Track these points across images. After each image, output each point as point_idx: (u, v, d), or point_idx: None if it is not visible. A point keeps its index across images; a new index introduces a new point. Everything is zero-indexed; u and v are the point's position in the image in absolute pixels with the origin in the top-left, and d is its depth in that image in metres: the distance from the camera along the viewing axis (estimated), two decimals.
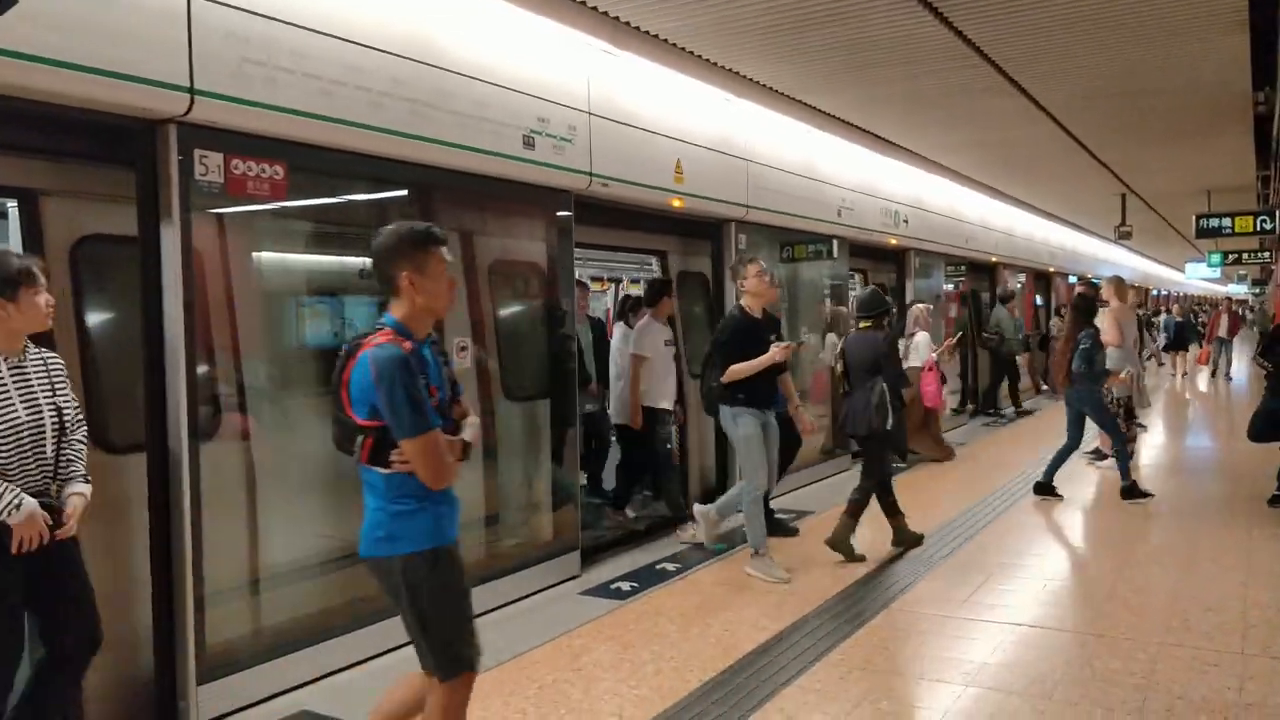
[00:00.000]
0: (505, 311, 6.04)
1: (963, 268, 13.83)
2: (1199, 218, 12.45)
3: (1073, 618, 5.10)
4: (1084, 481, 8.89)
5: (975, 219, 14.19)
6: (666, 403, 7.16)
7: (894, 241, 11.20)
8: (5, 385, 3.17)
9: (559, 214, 5.98)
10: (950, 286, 13.62)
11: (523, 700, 4.08)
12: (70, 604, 3.32)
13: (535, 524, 6.00)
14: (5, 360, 3.19)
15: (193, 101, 3.74)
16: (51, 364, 3.34)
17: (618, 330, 7.60)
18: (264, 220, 4.46)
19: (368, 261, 5.26)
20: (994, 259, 15.22)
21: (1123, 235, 16.30)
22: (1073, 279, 19.69)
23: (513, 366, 5.90)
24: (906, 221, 11.44)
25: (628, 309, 7.81)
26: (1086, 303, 8.21)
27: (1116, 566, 6.11)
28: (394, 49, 4.63)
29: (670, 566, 6.12)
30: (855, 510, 6.25)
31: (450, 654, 2.92)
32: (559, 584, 5.75)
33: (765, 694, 4.09)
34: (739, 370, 5.83)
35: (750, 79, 7.23)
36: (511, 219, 6.00)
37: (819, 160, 9.13)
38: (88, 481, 3.36)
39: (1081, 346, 7.82)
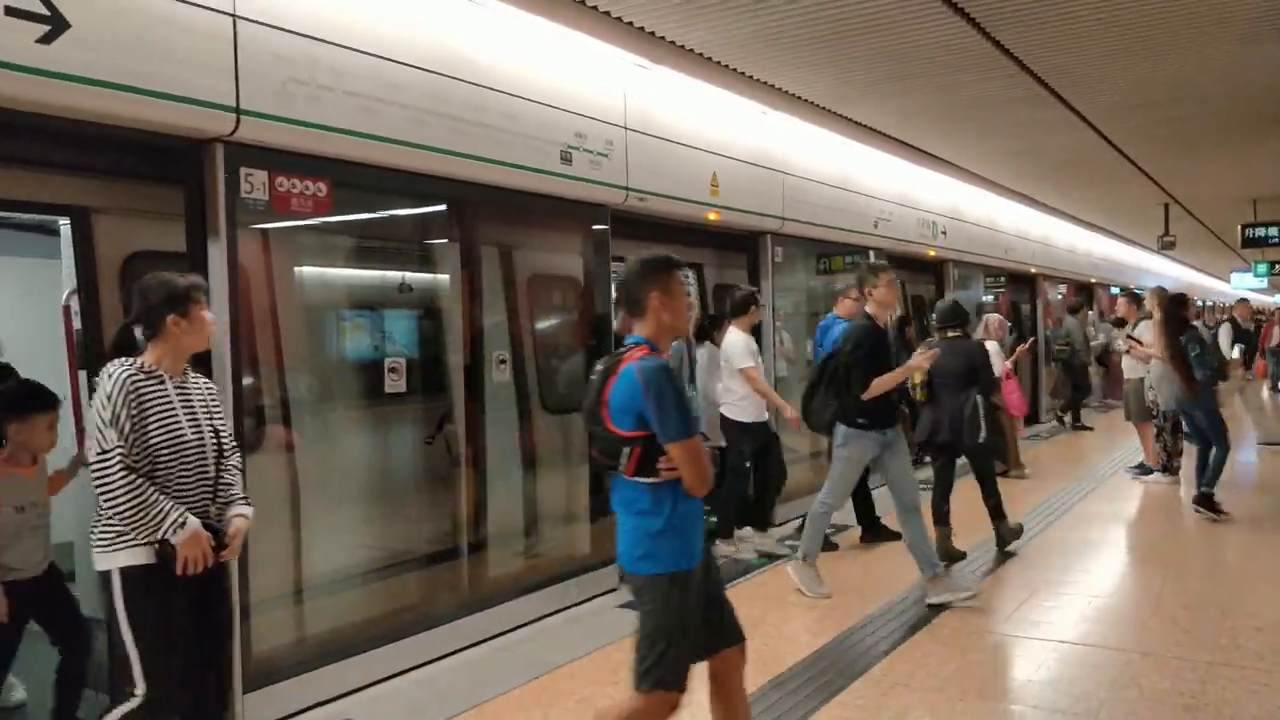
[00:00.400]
0: (543, 325, 6.08)
1: (1002, 279, 13.70)
2: (1244, 227, 12.23)
3: (1119, 635, 5.02)
4: (1129, 496, 8.74)
5: (1014, 230, 14.05)
6: (761, 416, 6.81)
7: (932, 253, 11.12)
8: (173, 404, 3.16)
9: (596, 228, 6.02)
10: (991, 297, 13.49)
11: (562, 712, 4.08)
12: (216, 637, 3.32)
13: (573, 536, 6.01)
14: (171, 380, 3.19)
15: (239, 121, 3.81)
16: (206, 386, 3.35)
17: (704, 351, 7.14)
18: (307, 236, 4.54)
19: (407, 276, 5.40)
20: (1033, 270, 15.05)
21: (1166, 245, 16.02)
22: (1114, 290, 19.40)
23: (550, 379, 5.93)
24: (944, 233, 11.36)
25: (711, 327, 7.32)
26: (1177, 308, 7.96)
27: (1164, 582, 5.99)
28: (433, 66, 4.69)
29: None
30: (942, 521, 6.41)
31: (666, 669, 3.00)
32: (597, 597, 5.76)
33: (806, 710, 4.06)
34: (884, 383, 5.43)
35: (786, 91, 7.23)
36: (549, 233, 6.05)
37: (856, 172, 9.11)
38: (249, 504, 3.36)
39: (1194, 354, 7.59)
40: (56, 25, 3.22)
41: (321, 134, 4.16)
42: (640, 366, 2.98)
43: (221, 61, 3.76)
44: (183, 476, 3.15)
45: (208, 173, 3.88)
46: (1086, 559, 6.70)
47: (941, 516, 6.39)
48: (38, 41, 3.18)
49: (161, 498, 3.04)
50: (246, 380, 4.07)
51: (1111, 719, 3.91)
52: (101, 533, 3.07)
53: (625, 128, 6.00)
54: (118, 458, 2.97)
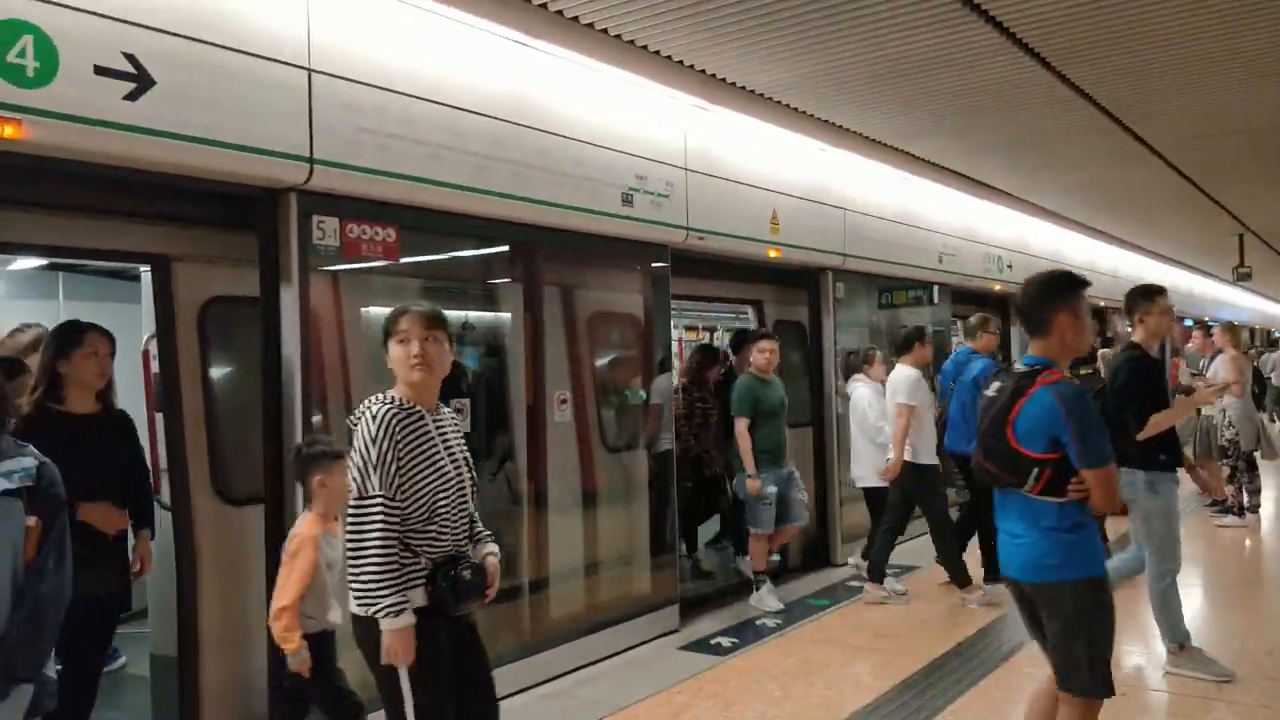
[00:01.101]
0: (604, 363, 6.11)
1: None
2: None
3: (1200, 682, 4.82)
4: (1207, 538, 8.44)
5: (1082, 262, 13.76)
6: (932, 458, 6.50)
7: (998, 288, 10.95)
8: (434, 440, 2.98)
9: (656, 266, 6.05)
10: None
11: None
12: (482, 686, 3.14)
13: (634, 576, 6.00)
14: (429, 415, 3.02)
15: (312, 170, 3.93)
16: (452, 419, 3.14)
17: (860, 387, 6.93)
18: (376, 279, 4.64)
19: (469, 315, 5.48)
20: (1102, 303, 14.71)
21: (1241, 276, 15.57)
22: (1188, 322, 18.87)
23: (610, 418, 5.95)
24: (1010, 266, 11.19)
25: (858, 361, 7.13)
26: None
27: (1248, 626, 5.76)
28: (495, 113, 4.79)
29: (770, 622, 6.03)
30: None
31: (1100, 674, 3.12)
32: (658, 638, 5.72)
33: None
34: (1162, 420, 4.72)
35: (847, 129, 7.22)
36: (610, 273, 6.10)
37: (917, 206, 9.03)
38: (495, 540, 3.23)
39: None
40: (142, 82, 3.36)
41: (390, 181, 4.27)
42: (1059, 392, 3.05)
43: (297, 113, 3.89)
44: (447, 514, 2.96)
45: (282, 220, 4.00)
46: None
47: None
48: (124, 98, 3.32)
49: (397, 577, 2.83)
50: (315, 419, 4.16)
51: None
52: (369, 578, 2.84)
53: (685, 168, 6.05)
54: (380, 509, 2.82)
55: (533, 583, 5.37)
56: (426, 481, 2.91)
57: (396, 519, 2.85)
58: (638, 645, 5.58)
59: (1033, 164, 8.90)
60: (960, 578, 6.38)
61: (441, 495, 2.94)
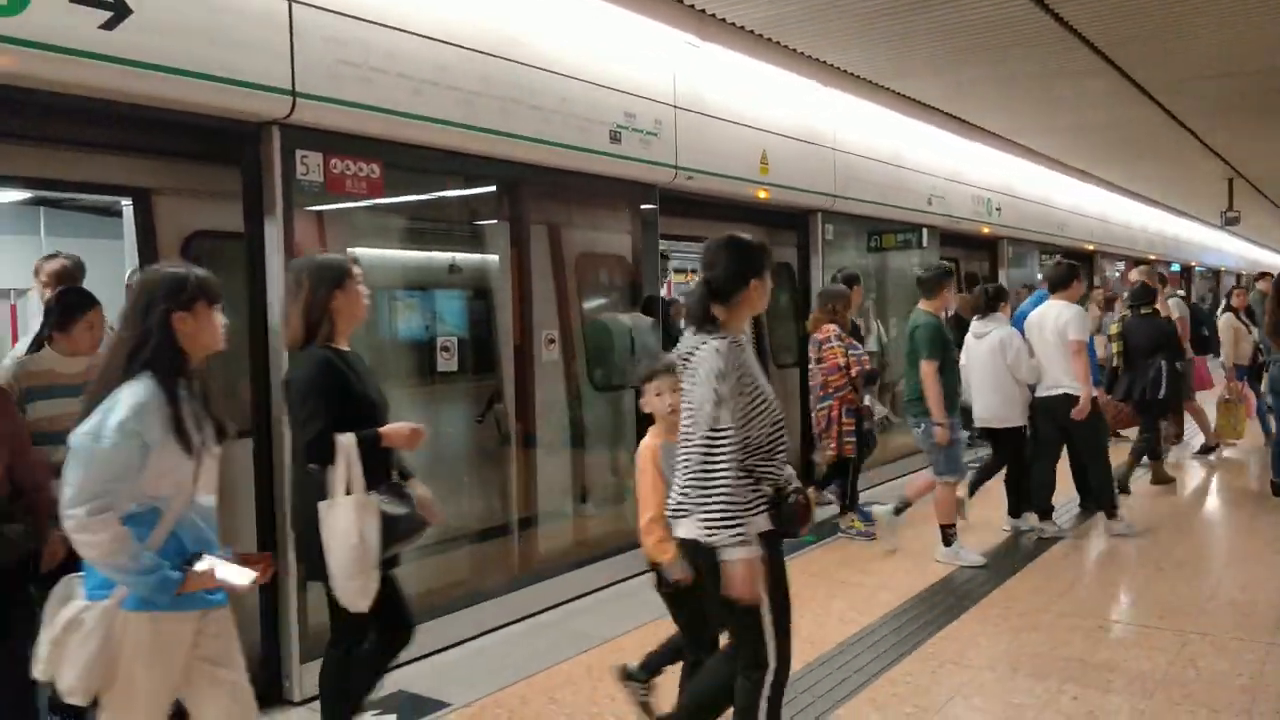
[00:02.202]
0: (591, 303, 6.10)
1: (1057, 256, 13.41)
2: None
3: (1175, 616, 4.94)
4: (1188, 475, 8.56)
5: (1070, 206, 13.76)
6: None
7: (986, 230, 10.94)
8: (758, 370, 2.97)
9: (645, 207, 6.02)
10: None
11: (611, 685, 4.12)
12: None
13: (623, 512, 6.06)
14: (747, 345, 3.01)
15: (294, 104, 3.88)
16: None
17: (998, 328, 6.33)
18: (361, 216, 4.61)
19: (457, 257, 5.45)
20: (1090, 247, 14.74)
21: (1230, 221, 15.56)
22: (1175, 267, 18.94)
23: (598, 357, 5.96)
24: (999, 209, 11.17)
25: (997, 297, 6.59)
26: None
27: (1223, 564, 5.88)
28: (483, 47, 4.71)
29: None
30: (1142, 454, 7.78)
31: None
32: (646, 572, 5.78)
33: (855, 686, 4.07)
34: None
35: (837, 67, 7.15)
36: (598, 211, 6.06)
37: (908, 148, 8.98)
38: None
39: None
40: (119, 11, 3.29)
41: (374, 115, 4.22)
42: None
43: (278, 45, 3.82)
44: (780, 440, 2.98)
45: (264, 155, 3.95)
46: (1143, 539, 6.55)
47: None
48: (100, 28, 3.25)
49: (743, 508, 2.84)
50: None
51: (1168, 699, 3.86)
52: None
53: (675, 106, 5.98)
54: (730, 441, 2.81)
55: (523, 519, 5.43)
56: (765, 410, 2.93)
57: (743, 450, 2.86)
58: (629, 578, 5.65)
59: (1023, 105, 8.84)
60: (1112, 508, 6.42)
61: (772, 425, 2.95)
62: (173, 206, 4.21)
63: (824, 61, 6.97)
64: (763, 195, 6.92)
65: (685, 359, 2.97)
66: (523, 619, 5.04)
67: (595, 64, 5.39)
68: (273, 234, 3.97)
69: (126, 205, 4.32)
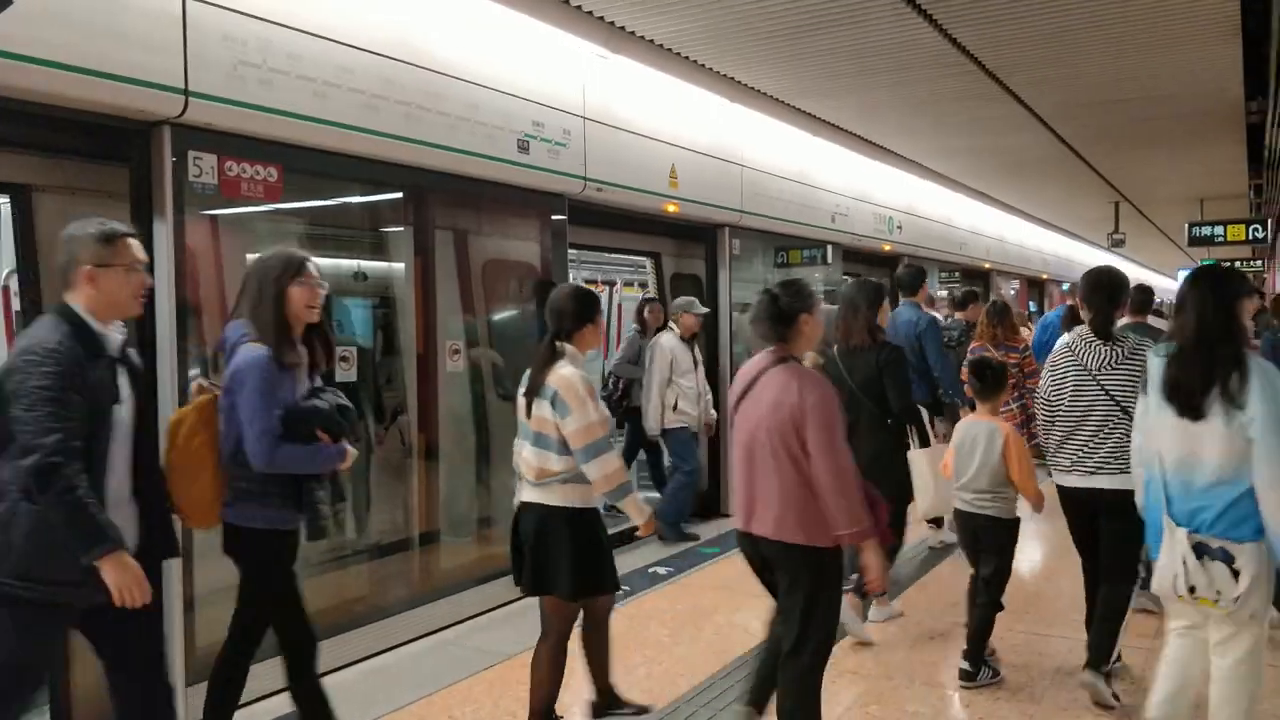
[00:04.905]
0: (499, 314, 6.04)
1: (956, 274, 13.87)
2: (1191, 225, 12.50)
3: (1060, 622, 5.11)
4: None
5: (968, 226, 14.23)
6: None
7: (887, 247, 11.22)
8: None
9: (554, 217, 5.99)
10: (944, 292, 13.65)
11: (512, 701, 4.08)
12: None
13: None
14: None
15: (187, 103, 3.74)
16: None
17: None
18: (258, 221, 4.46)
19: (361, 264, 5.33)
20: (987, 265, 15.26)
21: (1115, 243, 16.32)
22: (1065, 286, 19.74)
23: (506, 367, 5.89)
24: (900, 228, 11.47)
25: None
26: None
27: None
28: (387, 51, 4.63)
29: (662, 570, 6.13)
30: None
31: None
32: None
33: None
34: None
35: (746, 85, 7.25)
36: (506, 221, 6.01)
37: (813, 167, 9.16)
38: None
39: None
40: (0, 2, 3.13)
41: (273, 118, 4.10)
42: None
43: (170, 42, 3.69)
44: None
45: (155, 155, 3.81)
46: (1024, 549, 6.78)
47: None
48: None
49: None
50: (192, 370, 4.00)
51: (1055, 704, 3.99)
52: None
53: (584, 117, 5.98)
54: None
55: (424, 534, 5.32)
56: None
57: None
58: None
59: (923, 126, 9.11)
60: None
61: None
62: (56, 204, 4.00)
63: (731, 78, 7.06)
64: (672, 209, 6.96)
65: None
66: (423, 636, 4.94)
67: (504, 72, 5.35)
68: (162, 236, 3.82)
69: (3, 202, 4.10)
